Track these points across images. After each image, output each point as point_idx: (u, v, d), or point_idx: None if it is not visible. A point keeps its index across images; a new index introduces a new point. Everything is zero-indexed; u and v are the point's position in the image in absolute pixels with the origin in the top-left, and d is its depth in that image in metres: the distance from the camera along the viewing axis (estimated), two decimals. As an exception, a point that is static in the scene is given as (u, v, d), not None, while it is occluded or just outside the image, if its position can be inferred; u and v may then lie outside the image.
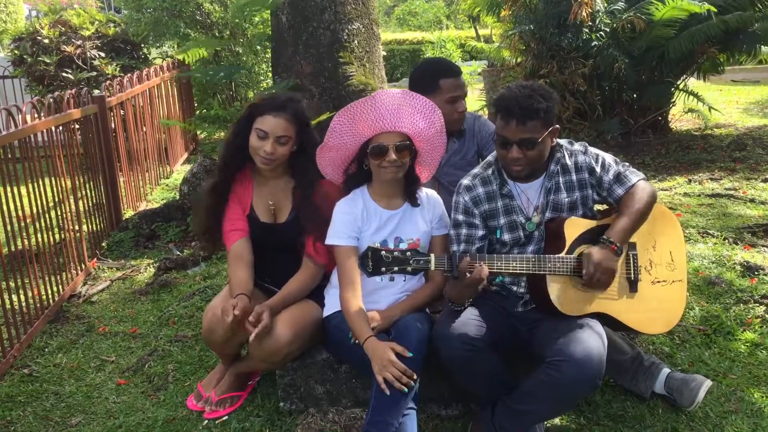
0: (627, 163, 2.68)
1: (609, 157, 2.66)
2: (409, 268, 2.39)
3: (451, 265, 2.40)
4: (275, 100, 2.84)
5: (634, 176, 2.61)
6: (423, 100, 2.66)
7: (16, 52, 8.30)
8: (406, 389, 2.40)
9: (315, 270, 2.87)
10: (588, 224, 2.59)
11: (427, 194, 2.83)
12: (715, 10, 6.57)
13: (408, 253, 2.39)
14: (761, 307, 3.43)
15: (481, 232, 2.65)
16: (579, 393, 2.41)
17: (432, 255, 2.42)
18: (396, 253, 2.39)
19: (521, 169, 2.53)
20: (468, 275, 2.39)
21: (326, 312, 2.81)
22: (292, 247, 2.91)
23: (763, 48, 7.65)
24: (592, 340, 2.36)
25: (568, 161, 2.62)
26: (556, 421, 2.73)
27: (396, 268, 2.38)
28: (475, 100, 10.06)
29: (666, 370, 2.79)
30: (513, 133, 2.44)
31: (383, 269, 2.37)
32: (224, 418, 2.88)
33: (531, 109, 2.41)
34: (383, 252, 2.38)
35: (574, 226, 2.56)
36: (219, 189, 2.95)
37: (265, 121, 2.78)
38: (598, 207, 2.78)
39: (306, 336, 2.76)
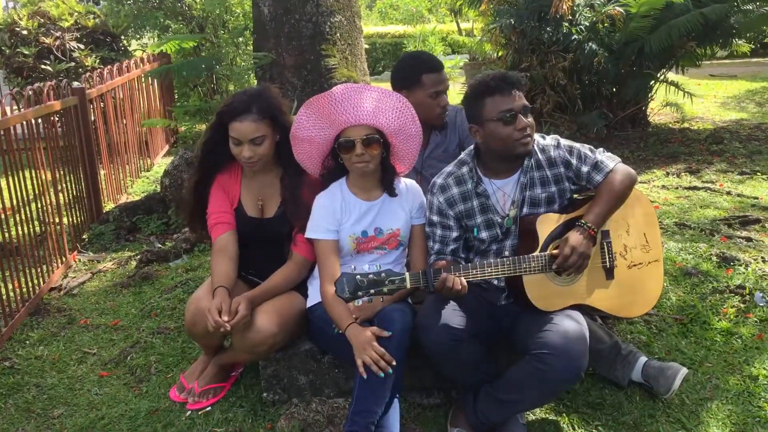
0: (602, 149, 2.69)
1: (584, 147, 2.67)
2: (385, 289, 2.38)
3: (427, 281, 2.40)
4: (238, 103, 2.75)
5: (611, 161, 2.63)
6: (388, 93, 2.65)
7: (-7, 43, 8.21)
8: (382, 373, 2.42)
9: (301, 263, 2.86)
10: (560, 219, 2.60)
11: (406, 184, 2.84)
12: None
13: (383, 275, 2.38)
14: (736, 297, 3.50)
15: (455, 234, 2.67)
16: (564, 384, 2.47)
17: (407, 273, 2.40)
18: (371, 276, 2.37)
19: (532, 139, 2.55)
20: (445, 288, 2.39)
21: (309, 303, 2.82)
22: (278, 241, 2.91)
23: (740, 42, 7.76)
24: (576, 332, 2.40)
25: (541, 156, 2.63)
26: (536, 409, 2.77)
27: (372, 291, 2.36)
28: (456, 94, 10.07)
29: (643, 359, 2.84)
30: (517, 100, 2.50)
31: (360, 293, 2.36)
32: (207, 409, 2.89)
33: (517, 77, 2.53)
34: (358, 276, 2.36)
35: (546, 223, 2.57)
36: (200, 188, 2.96)
37: (234, 127, 2.73)
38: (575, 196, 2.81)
39: (289, 327, 2.76)
